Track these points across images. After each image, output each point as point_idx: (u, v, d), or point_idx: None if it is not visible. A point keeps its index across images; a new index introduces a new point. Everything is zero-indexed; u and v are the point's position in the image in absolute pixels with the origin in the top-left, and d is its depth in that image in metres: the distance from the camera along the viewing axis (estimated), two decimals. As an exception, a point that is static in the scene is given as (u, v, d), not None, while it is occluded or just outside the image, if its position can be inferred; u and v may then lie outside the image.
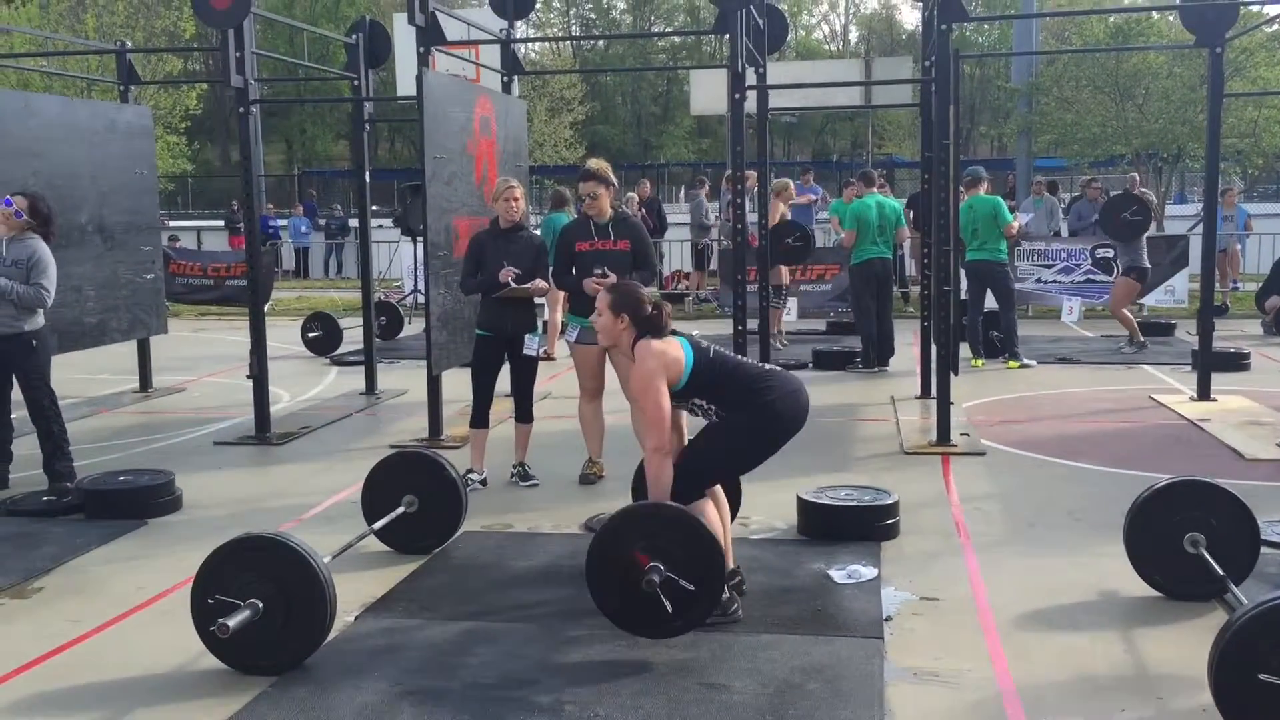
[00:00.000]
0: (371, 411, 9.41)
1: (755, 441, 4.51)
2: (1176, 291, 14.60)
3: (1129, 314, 11.87)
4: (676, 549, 4.08)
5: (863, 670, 4.03)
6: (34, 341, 6.56)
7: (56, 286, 6.62)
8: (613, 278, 6.29)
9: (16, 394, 6.67)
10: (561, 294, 11.85)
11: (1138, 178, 19.14)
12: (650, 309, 4.50)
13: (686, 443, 4.61)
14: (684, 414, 4.64)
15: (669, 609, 4.04)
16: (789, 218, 11.90)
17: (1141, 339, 11.70)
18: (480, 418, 6.79)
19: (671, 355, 4.43)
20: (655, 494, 4.37)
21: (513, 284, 6.51)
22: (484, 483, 6.72)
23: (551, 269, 6.78)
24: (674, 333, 4.55)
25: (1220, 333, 10.29)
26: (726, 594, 4.47)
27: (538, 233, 7.77)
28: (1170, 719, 3.68)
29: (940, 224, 7.83)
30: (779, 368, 4.76)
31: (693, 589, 4.07)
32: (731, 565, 4.62)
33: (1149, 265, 11.81)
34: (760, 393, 4.46)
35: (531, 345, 6.74)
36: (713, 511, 4.52)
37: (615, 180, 6.73)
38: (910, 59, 21.24)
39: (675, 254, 18.94)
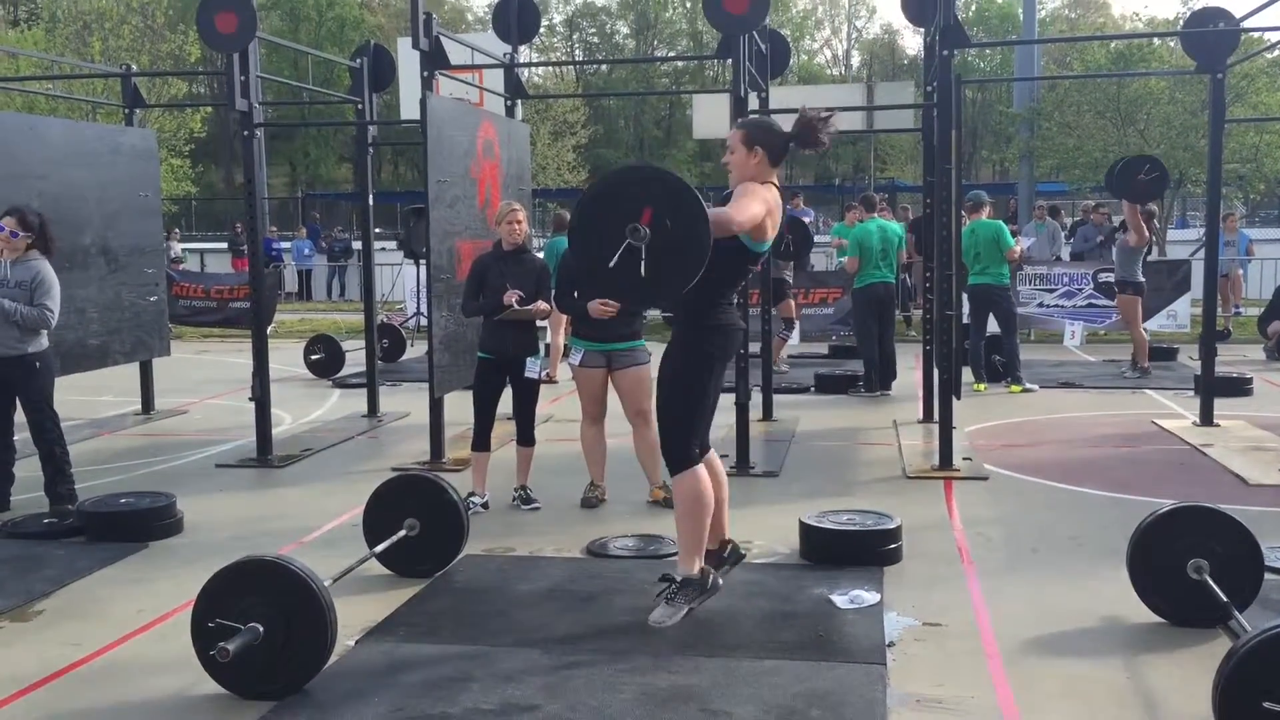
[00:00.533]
0: (373, 434, 9.40)
1: (705, 379, 4.53)
2: (1179, 316, 14.59)
3: (1144, 335, 11.87)
4: (674, 212, 4.05)
5: (865, 696, 4.01)
6: (38, 364, 6.57)
7: (61, 308, 6.64)
8: (615, 308, 6.31)
9: (19, 415, 6.68)
10: (564, 317, 11.97)
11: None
12: (783, 140, 4.48)
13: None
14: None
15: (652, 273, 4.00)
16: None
17: (1146, 364, 11.70)
18: (481, 441, 6.78)
19: (777, 217, 4.43)
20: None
21: (515, 305, 6.51)
22: (485, 506, 6.71)
23: (554, 292, 6.78)
24: None
25: (1223, 358, 10.28)
26: (698, 569, 4.53)
27: (540, 256, 7.78)
28: (1174, 747, 3.66)
29: (942, 248, 7.84)
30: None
31: (673, 251, 4.03)
32: (727, 536, 4.62)
33: (1144, 279, 11.83)
34: (715, 317, 4.51)
35: (533, 368, 6.75)
36: (708, 483, 4.55)
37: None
38: (912, 84, 21.33)
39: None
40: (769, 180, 4.53)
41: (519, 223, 6.70)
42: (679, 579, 4.50)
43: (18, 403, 6.65)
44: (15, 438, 6.84)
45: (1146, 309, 12.41)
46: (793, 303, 11.98)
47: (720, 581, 4.50)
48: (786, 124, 4.66)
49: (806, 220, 17.37)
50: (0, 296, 6.40)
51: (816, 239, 17.94)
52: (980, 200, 11.19)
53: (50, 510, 6.54)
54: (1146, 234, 11.52)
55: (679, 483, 4.50)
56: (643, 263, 4.00)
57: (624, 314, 6.45)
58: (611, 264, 4.02)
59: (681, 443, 4.47)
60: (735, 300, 4.63)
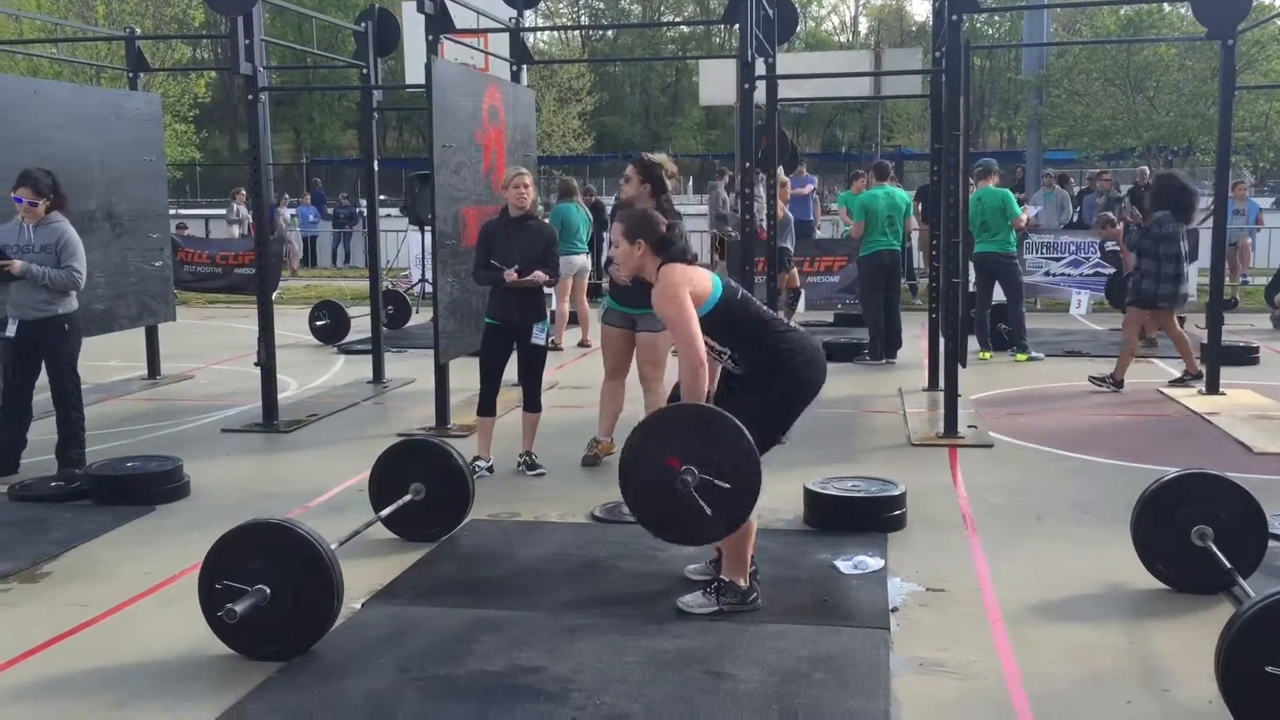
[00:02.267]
0: (379, 400, 9.42)
1: (781, 414, 4.47)
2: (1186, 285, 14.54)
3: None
4: (708, 449, 4.02)
5: (869, 660, 4.03)
6: (66, 325, 6.61)
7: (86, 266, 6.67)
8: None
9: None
10: (569, 284, 12.00)
11: (1147, 170, 19.08)
12: (664, 228, 4.44)
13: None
14: (717, 365, 4.56)
15: (709, 512, 3.98)
16: (787, 213, 11.88)
17: (1154, 334, 11.65)
18: (487, 406, 6.80)
19: (697, 277, 4.37)
20: (691, 399, 4.29)
21: (516, 277, 6.53)
22: (490, 470, 6.73)
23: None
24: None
25: (1229, 327, 10.25)
26: (745, 582, 4.47)
27: (547, 222, 7.77)
28: (1176, 712, 3.68)
29: (950, 216, 7.80)
30: (797, 327, 4.72)
31: (729, 486, 4.01)
32: (750, 552, 4.62)
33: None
34: (785, 355, 4.41)
35: (540, 334, 6.75)
36: None
37: (663, 175, 6.39)
38: (920, 50, 21.17)
39: (684, 245, 18.87)
40: (657, 263, 4.43)
41: (526, 188, 6.69)
42: (725, 580, 4.51)
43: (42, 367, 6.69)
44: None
45: None
46: (795, 273, 11.93)
47: (760, 604, 4.50)
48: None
49: (809, 188, 17.33)
50: (28, 262, 6.42)
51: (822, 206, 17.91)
52: (988, 168, 11.13)
53: (57, 473, 6.57)
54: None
55: None
56: (701, 503, 3.99)
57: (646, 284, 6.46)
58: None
59: None
60: (790, 337, 4.49)
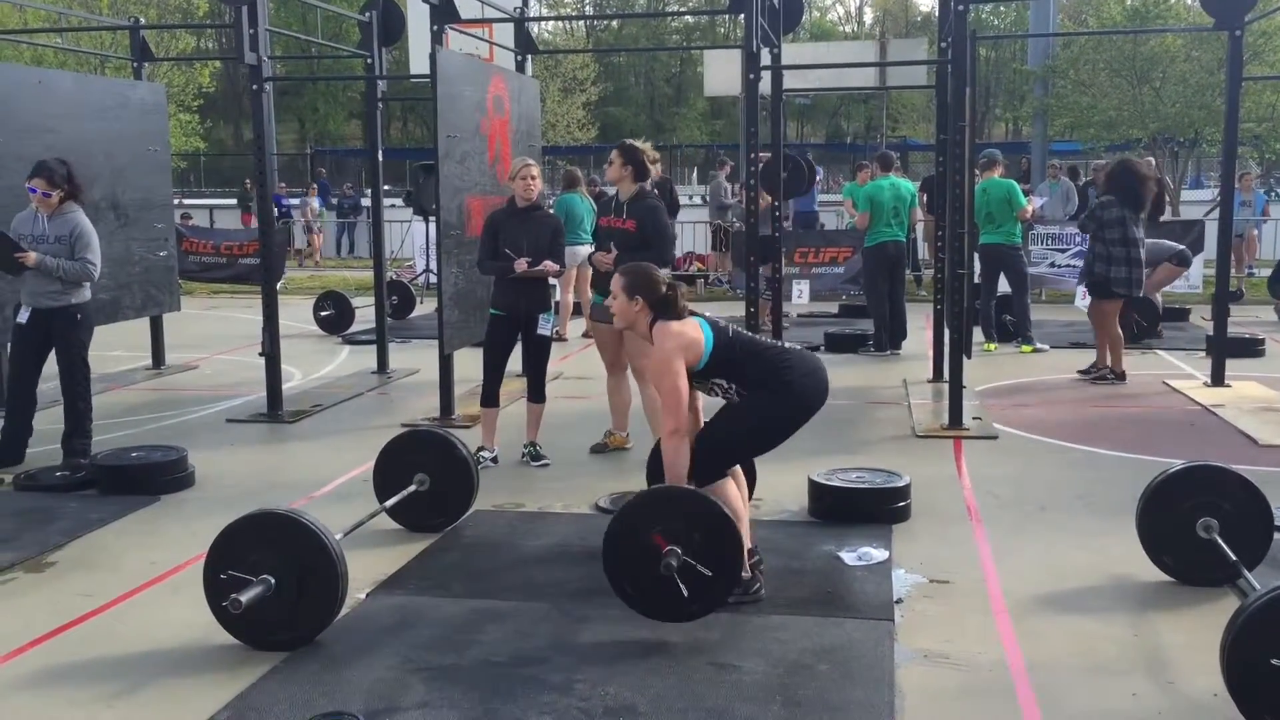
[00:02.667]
0: (383, 390, 9.42)
1: (776, 421, 4.47)
2: (1191, 277, 14.52)
3: (1159, 299, 11.80)
4: (695, 533, 4.06)
5: (873, 652, 4.03)
6: (79, 315, 6.63)
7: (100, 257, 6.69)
8: (613, 253, 6.38)
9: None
10: (574, 275, 12.00)
11: (1154, 161, 19.01)
12: (665, 289, 4.45)
13: (704, 423, 4.58)
14: (700, 396, 4.61)
15: (685, 593, 4.03)
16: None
17: (1160, 327, 11.62)
18: (491, 397, 6.80)
19: (691, 336, 4.37)
20: (672, 477, 4.35)
21: (526, 268, 6.53)
22: (495, 461, 6.73)
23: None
24: (691, 313, 4.51)
25: (1235, 318, 10.22)
26: (749, 573, 4.47)
27: (553, 212, 7.77)
28: (1181, 704, 3.68)
29: (955, 207, 7.79)
30: (798, 347, 4.72)
31: (710, 574, 4.05)
32: (750, 544, 4.62)
33: (1181, 246, 11.79)
34: (782, 372, 4.41)
35: (545, 325, 6.75)
36: (734, 491, 4.51)
37: (645, 160, 6.59)
38: (926, 41, 21.12)
39: (687, 235, 18.90)
40: (651, 319, 4.44)
41: (533, 179, 6.67)
42: None
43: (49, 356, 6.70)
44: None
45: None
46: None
47: (763, 594, 4.50)
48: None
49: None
50: (42, 253, 6.44)
51: (827, 197, 17.88)
52: (993, 159, 11.11)
53: (63, 462, 6.58)
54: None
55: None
56: (682, 586, 4.02)
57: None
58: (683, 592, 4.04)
59: (716, 467, 4.43)
60: (786, 355, 4.50)
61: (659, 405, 6.51)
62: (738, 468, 4.68)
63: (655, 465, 4.95)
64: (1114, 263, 9.03)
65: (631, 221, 6.55)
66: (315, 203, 23.57)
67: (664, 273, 4.74)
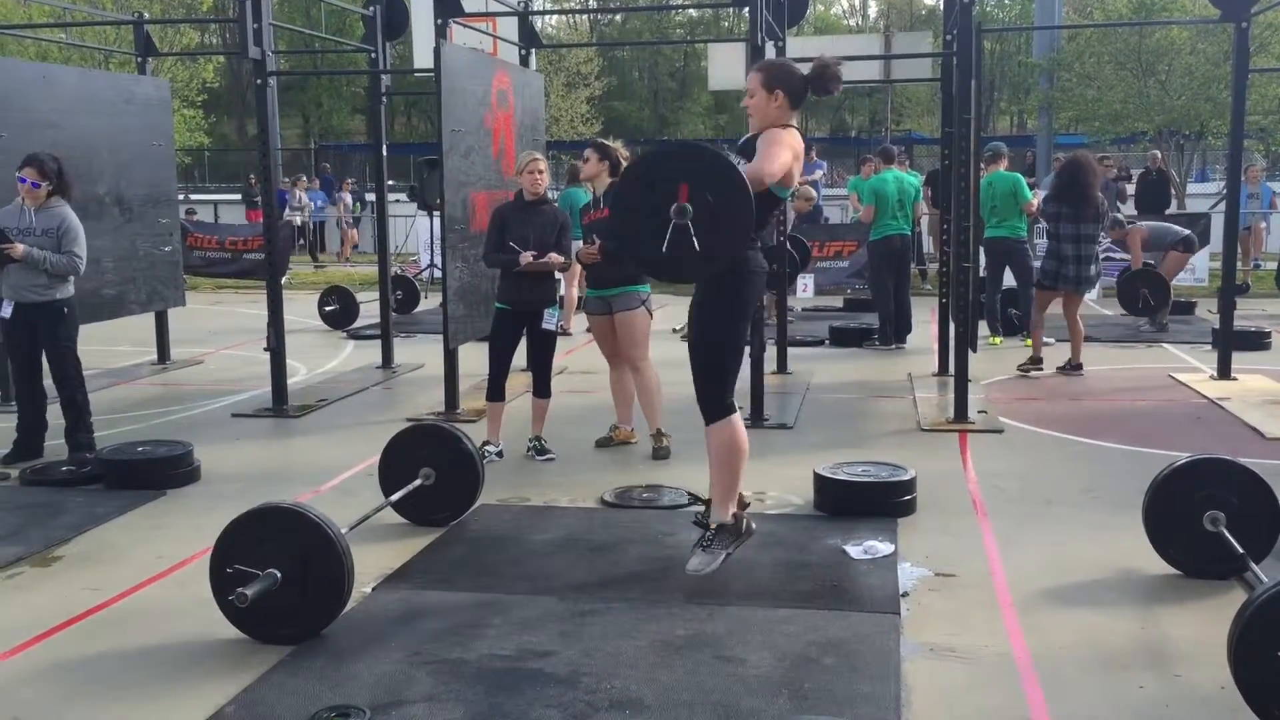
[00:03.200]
0: (388, 385, 9.42)
1: (741, 327, 4.52)
2: (1197, 270, 14.50)
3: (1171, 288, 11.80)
4: (714, 186, 4.05)
5: (879, 645, 4.03)
6: (65, 309, 6.62)
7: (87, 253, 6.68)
8: (596, 246, 6.53)
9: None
10: (579, 270, 11.98)
11: (1159, 155, 18.97)
12: (801, 80, 4.49)
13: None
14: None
15: (695, 244, 4.02)
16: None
17: (1166, 320, 11.61)
18: (496, 391, 6.80)
19: (800, 154, 4.46)
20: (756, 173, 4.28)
21: (532, 260, 6.53)
22: (500, 455, 6.73)
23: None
24: None
25: (1241, 311, 10.20)
26: (733, 516, 4.52)
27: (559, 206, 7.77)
28: (1188, 697, 3.67)
29: (960, 200, 7.77)
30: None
31: (721, 222, 4.05)
32: (741, 491, 4.65)
33: (1188, 231, 11.79)
34: (745, 264, 4.44)
35: (550, 320, 6.75)
36: (743, 432, 4.53)
37: (619, 158, 6.75)
38: (930, 34, 21.04)
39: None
40: (789, 123, 4.49)
41: (540, 173, 6.68)
42: (714, 525, 4.51)
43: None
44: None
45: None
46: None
47: (754, 526, 4.51)
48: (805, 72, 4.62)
49: (819, 173, 17.26)
50: (29, 245, 6.42)
51: (832, 191, 17.86)
52: (998, 152, 11.08)
53: (68, 457, 6.59)
54: (1140, 256, 11.56)
55: (716, 432, 4.49)
56: (694, 239, 4.00)
57: (609, 258, 6.51)
58: (665, 247, 4.04)
59: (719, 393, 4.45)
60: (758, 243, 4.60)
61: (651, 391, 6.62)
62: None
63: None
64: (1064, 260, 9.16)
65: (608, 210, 6.59)
66: (348, 196, 23.50)
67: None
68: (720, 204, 4.05)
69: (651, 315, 6.90)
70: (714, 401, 4.43)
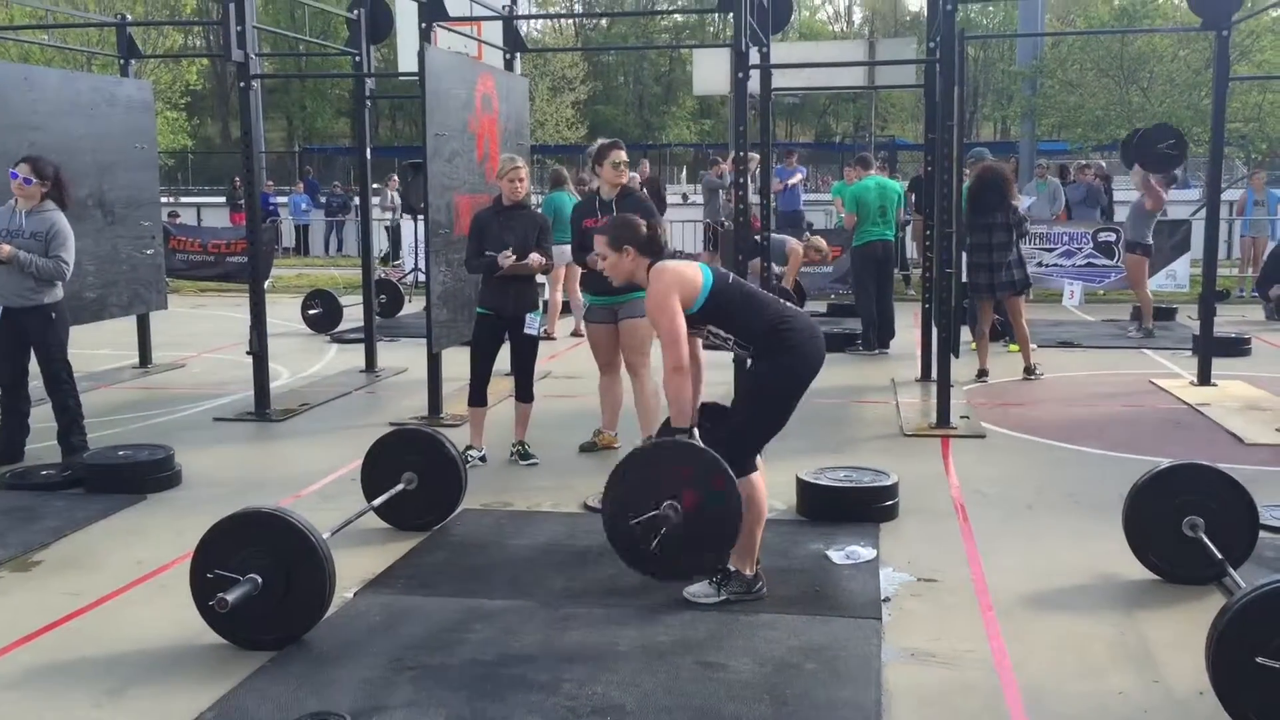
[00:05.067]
0: (371, 389, 9.40)
1: (785, 392, 4.49)
2: (1178, 276, 14.58)
3: (1150, 296, 11.85)
4: (690, 487, 4.09)
5: (861, 650, 4.04)
6: (53, 314, 6.58)
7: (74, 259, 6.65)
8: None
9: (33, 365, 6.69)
10: (563, 274, 11.99)
11: (1101, 165, 18.97)
12: (645, 229, 4.51)
13: (725, 410, 4.57)
14: (699, 343, 4.61)
15: (676, 551, 4.08)
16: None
17: (1151, 326, 11.67)
18: (478, 396, 6.78)
19: (687, 275, 4.41)
20: (676, 413, 4.34)
21: (513, 261, 6.50)
22: (483, 459, 6.72)
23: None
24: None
25: (1221, 317, 10.27)
26: (751, 571, 4.50)
27: (539, 211, 7.77)
28: (1167, 701, 3.69)
29: (943, 206, 7.80)
30: (793, 306, 4.74)
31: (704, 536, 4.09)
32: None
33: (1152, 242, 11.81)
34: (784, 335, 4.43)
35: (533, 325, 6.74)
36: (763, 492, 4.53)
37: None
38: (914, 40, 21.12)
39: (676, 235, 18.94)
40: (645, 264, 4.49)
41: (520, 181, 6.67)
42: (732, 569, 4.52)
43: (32, 354, 6.66)
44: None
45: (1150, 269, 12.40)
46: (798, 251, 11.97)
47: (765, 593, 4.51)
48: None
49: (799, 177, 17.29)
50: (15, 248, 6.39)
51: (815, 196, 17.90)
52: (982, 158, 11.12)
53: (63, 461, 6.56)
54: (1163, 198, 11.50)
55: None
56: (683, 540, 4.11)
57: None
58: (654, 546, 4.13)
59: (743, 454, 4.46)
60: (787, 315, 4.52)
61: (652, 397, 6.59)
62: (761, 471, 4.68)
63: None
64: (977, 269, 9.26)
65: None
66: (392, 193, 23.04)
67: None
68: (710, 508, 4.11)
69: None
70: (737, 459, 4.44)
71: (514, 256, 6.48)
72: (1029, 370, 9.53)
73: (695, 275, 4.42)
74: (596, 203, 6.69)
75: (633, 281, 4.59)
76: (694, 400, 4.47)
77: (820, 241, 13.58)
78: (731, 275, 4.59)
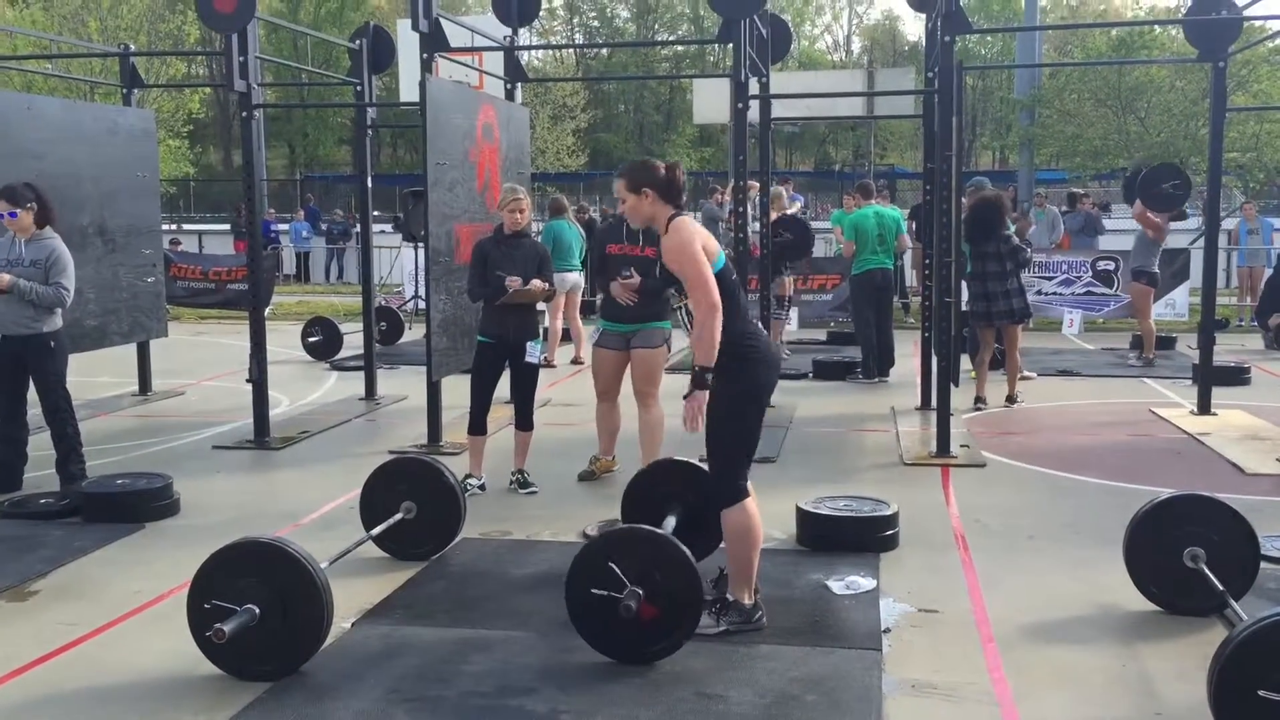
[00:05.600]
0: (371, 417, 9.39)
1: (753, 408, 4.52)
2: (1177, 305, 14.61)
3: (1153, 326, 11.87)
4: (657, 573, 4.09)
5: (861, 682, 4.01)
6: (52, 343, 6.58)
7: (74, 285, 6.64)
8: (637, 279, 6.41)
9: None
10: (562, 301, 12.01)
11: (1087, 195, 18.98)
12: (664, 170, 4.55)
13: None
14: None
15: (646, 634, 4.07)
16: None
17: (1153, 355, 11.67)
18: (478, 425, 6.78)
19: (709, 237, 4.47)
20: (704, 352, 4.33)
21: (518, 288, 6.52)
22: (483, 488, 6.71)
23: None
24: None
25: (1221, 346, 10.27)
26: (750, 600, 4.48)
27: (539, 240, 7.79)
28: (1169, 734, 3.67)
29: (942, 235, 7.82)
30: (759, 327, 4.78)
31: (672, 615, 4.10)
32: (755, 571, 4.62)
33: (1158, 271, 11.85)
34: (749, 347, 4.47)
35: (533, 353, 6.74)
36: (757, 518, 4.52)
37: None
38: (913, 70, 21.26)
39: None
40: (668, 212, 4.53)
41: (522, 212, 6.69)
42: (730, 599, 4.51)
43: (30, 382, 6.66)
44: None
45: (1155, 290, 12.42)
46: (788, 281, 11.93)
47: (764, 622, 4.50)
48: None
49: (797, 205, 17.33)
50: (16, 276, 6.39)
51: (815, 225, 17.94)
52: (982, 187, 11.16)
53: (61, 489, 6.54)
54: (1164, 228, 11.57)
55: (728, 516, 4.48)
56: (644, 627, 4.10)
57: (645, 295, 6.48)
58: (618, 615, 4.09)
59: (731, 480, 4.47)
60: (755, 331, 4.60)
61: (655, 428, 6.58)
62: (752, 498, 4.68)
63: (629, 503, 5.19)
64: (974, 298, 9.39)
65: (652, 249, 6.45)
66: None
67: None
68: (670, 589, 4.11)
69: (670, 351, 6.90)
70: (724, 487, 4.45)
71: (519, 281, 6.50)
72: (1010, 398, 9.58)
73: (713, 241, 4.49)
74: (624, 229, 6.60)
75: (652, 225, 4.61)
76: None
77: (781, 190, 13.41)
78: (734, 272, 4.67)
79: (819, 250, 18.92)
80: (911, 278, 16.13)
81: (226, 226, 26.57)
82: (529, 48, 14.51)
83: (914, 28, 58.30)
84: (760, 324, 4.87)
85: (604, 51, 54.57)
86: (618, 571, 4.08)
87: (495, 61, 10.60)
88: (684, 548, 4.20)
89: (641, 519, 4.84)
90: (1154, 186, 10.11)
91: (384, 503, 5.43)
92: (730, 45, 7.73)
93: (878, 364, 10.94)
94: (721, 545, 4.79)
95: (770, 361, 4.59)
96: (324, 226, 26.36)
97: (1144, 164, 12.48)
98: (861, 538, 5.54)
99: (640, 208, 4.56)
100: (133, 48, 10.96)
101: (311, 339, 12.73)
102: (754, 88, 8.65)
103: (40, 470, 6.80)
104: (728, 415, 4.47)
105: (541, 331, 7.03)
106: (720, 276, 4.42)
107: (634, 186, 4.55)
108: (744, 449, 4.54)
